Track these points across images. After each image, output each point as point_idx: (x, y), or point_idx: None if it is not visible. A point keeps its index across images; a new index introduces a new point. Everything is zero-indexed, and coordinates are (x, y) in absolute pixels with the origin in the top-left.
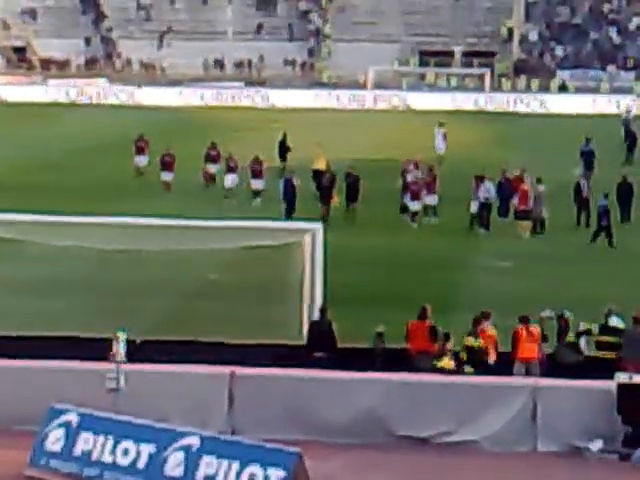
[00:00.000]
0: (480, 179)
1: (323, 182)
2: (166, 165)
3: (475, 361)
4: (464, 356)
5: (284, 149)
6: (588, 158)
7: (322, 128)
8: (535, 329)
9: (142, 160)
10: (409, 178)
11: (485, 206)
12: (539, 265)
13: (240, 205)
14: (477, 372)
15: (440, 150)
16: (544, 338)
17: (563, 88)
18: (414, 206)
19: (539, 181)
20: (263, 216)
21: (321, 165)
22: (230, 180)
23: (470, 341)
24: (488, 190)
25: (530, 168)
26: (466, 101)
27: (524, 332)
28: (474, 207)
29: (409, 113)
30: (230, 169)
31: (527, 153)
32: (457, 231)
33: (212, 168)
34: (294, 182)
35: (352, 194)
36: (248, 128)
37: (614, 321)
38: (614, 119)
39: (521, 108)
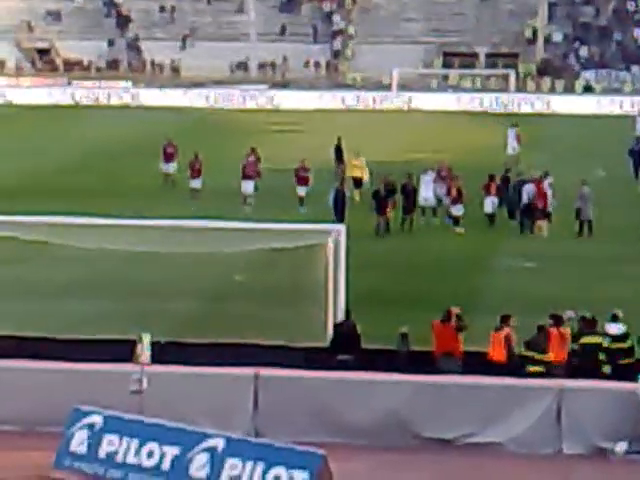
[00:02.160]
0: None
1: (380, 191)
2: (194, 172)
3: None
4: None
5: (340, 153)
6: (638, 157)
7: (348, 130)
8: (566, 330)
9: (171, 167)
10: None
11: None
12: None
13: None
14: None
15: (513, 150)
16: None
17: (588, 89)
18: (457, 211)
19: (584, 182)
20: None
21: (359, 173)
22: (248, 187)
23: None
24: (528, 192)
25: (553, 169)
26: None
27: (556, 333)
28: (489, 208)
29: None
30: (247, 176)
31: (550, 154)
32: (481, 232)
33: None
34: (345, 192)
35: (409, 205)
36: (271, 131)
37: (612, 328)
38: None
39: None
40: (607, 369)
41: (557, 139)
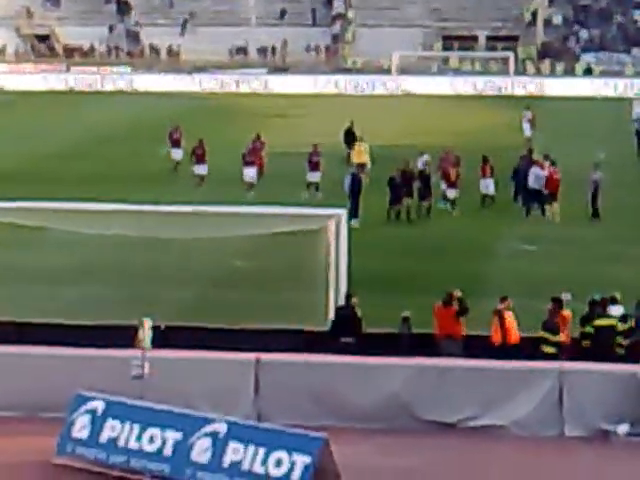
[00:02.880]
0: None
1: (395, 179)
2: (199, 158)
3: None
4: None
5: (351, 137)
6: None
7: (346, 114)
8: (568, 313)
9: (178, 153)
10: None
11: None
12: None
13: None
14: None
15: (527, 133)
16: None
17: (588, 72)
18: (451, 195)
19: (597, 166)
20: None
21: (363, 159)
22: (250, 174)
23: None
24: (535, 175)
25: (553, 151)
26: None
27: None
28: (483, 189)
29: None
30: (248, 163)
31: (550, 137)
32: (483, 215)
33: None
34: (361, 177)
35: (425, 191)
36: (273, 115)
37: (613, 310)
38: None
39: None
40: (621, 351)
41: (553, 122)
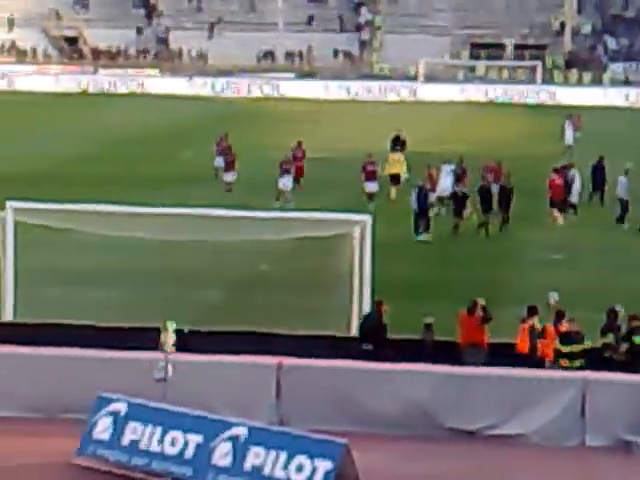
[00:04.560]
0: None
1: (457, 193)
2: (228, 165)
3: None
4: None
5: (399, 145)
6: None
7: (373, 120)
8: (566, 326)
9: (222, 161)
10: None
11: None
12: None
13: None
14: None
15: (569, 141)
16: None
17: (615, 81)
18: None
19: (626, 173)
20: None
21: (397, 169)
22: (284, 182)
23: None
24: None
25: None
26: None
27: (552, 330)
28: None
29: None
30: (285, 171)
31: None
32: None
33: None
34: (427, 190)
35: (486, 205)
36: (302, 120)
37: None
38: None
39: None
40: None
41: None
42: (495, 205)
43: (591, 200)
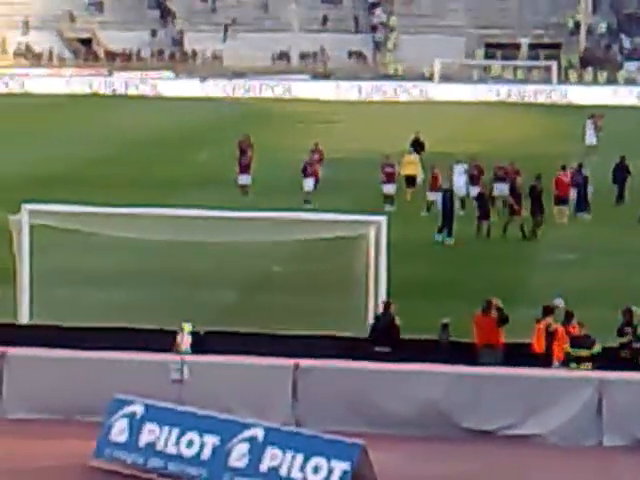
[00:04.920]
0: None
1: (484, 194)
2: (243, 167)
3: None
4: None
5: (418, 147)
6: None
7: (385, 121)
8: (576, 326)
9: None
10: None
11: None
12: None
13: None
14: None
15: (591, 141)
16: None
17: (630, 80)
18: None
19: None
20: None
21: (413, 170)
22: (310, 184)
23: None
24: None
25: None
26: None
27: (562, 330)
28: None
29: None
30: (310, 174)
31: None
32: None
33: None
34: (452, 195)
35: (537, 208)
36: (316, 121)
37: None
38: None
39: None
40: None
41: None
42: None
43: (619, 200)
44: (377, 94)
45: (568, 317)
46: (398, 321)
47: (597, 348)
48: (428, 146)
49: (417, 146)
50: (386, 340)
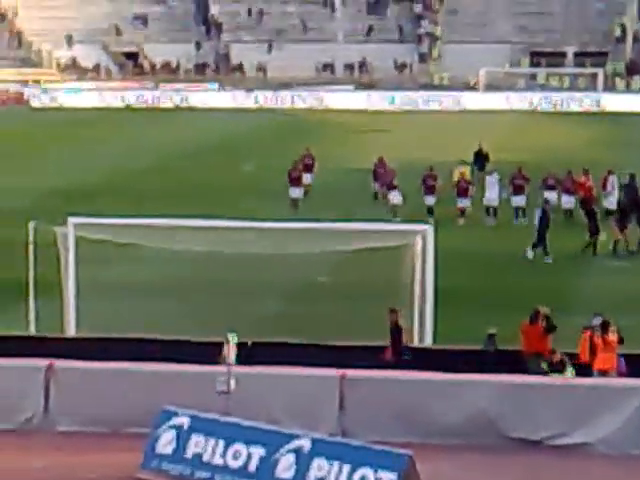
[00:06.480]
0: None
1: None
2: (293, 180)
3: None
4: None
5: (482, 158)
6: None
7: (432, 130)
8: (612, 337)
9: (309, 178)
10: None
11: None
12: None
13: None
14: None
15: None
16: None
17: None
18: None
19: None
20: None
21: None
22: (395, 196)
23: None
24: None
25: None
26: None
27: (600, 341)
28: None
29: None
30: (393, 186)
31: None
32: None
33: (376, 186)
34: (549, 212)
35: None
36: (360, 131)
37: None
38: None
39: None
40: None
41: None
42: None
43: None
44: (423, 104)
45: (605, 327)
46: (404, 324)
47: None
48: (465, 155)
49: (480, 157)
50: (394, 349)
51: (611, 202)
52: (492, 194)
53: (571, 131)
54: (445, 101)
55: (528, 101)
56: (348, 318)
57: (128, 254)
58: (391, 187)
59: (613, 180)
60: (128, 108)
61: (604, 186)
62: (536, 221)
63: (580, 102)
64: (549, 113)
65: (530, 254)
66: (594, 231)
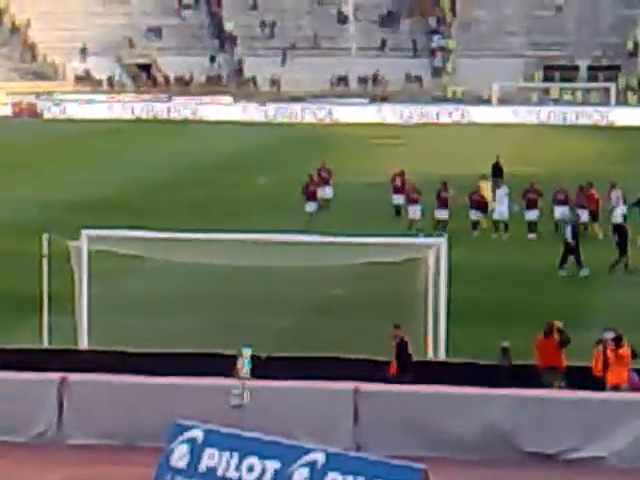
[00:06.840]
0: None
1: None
2: (309, 195)
3: None
4: None
5: (498, 172)
6: None
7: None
8: (625, 351)
9: (328, 192)
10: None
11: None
12: None
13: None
14: None
15: None
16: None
17: None
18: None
19: None
20: None
21: (485, 197)
22: (414, 211)
23: None
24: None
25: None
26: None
27: (613, 355)
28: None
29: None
30: (413, 200)
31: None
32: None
33: (399, 199)
34: (578, 225)
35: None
36: (375, 145)
37: None
38: None
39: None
40: None
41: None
42: None
43: None
44: (435, 117)
45: (617, 341)
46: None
47: None
48: (480, 167)
49: (497, 171)
50: (399, 364)
51: (616, 216)
52: (502, 207)
53: (582, 144)
54: (458, 115)
55: (541, 115)
56: (362, 331)
57: (142, 267)
58: (411, 201)
59: (617, 194)
60: (141, 120)
61: (608, 200)
62: (568, 236)
63: (590, 117)
64: (559, 126)
65: (562, 272)
66: (624, 250)
